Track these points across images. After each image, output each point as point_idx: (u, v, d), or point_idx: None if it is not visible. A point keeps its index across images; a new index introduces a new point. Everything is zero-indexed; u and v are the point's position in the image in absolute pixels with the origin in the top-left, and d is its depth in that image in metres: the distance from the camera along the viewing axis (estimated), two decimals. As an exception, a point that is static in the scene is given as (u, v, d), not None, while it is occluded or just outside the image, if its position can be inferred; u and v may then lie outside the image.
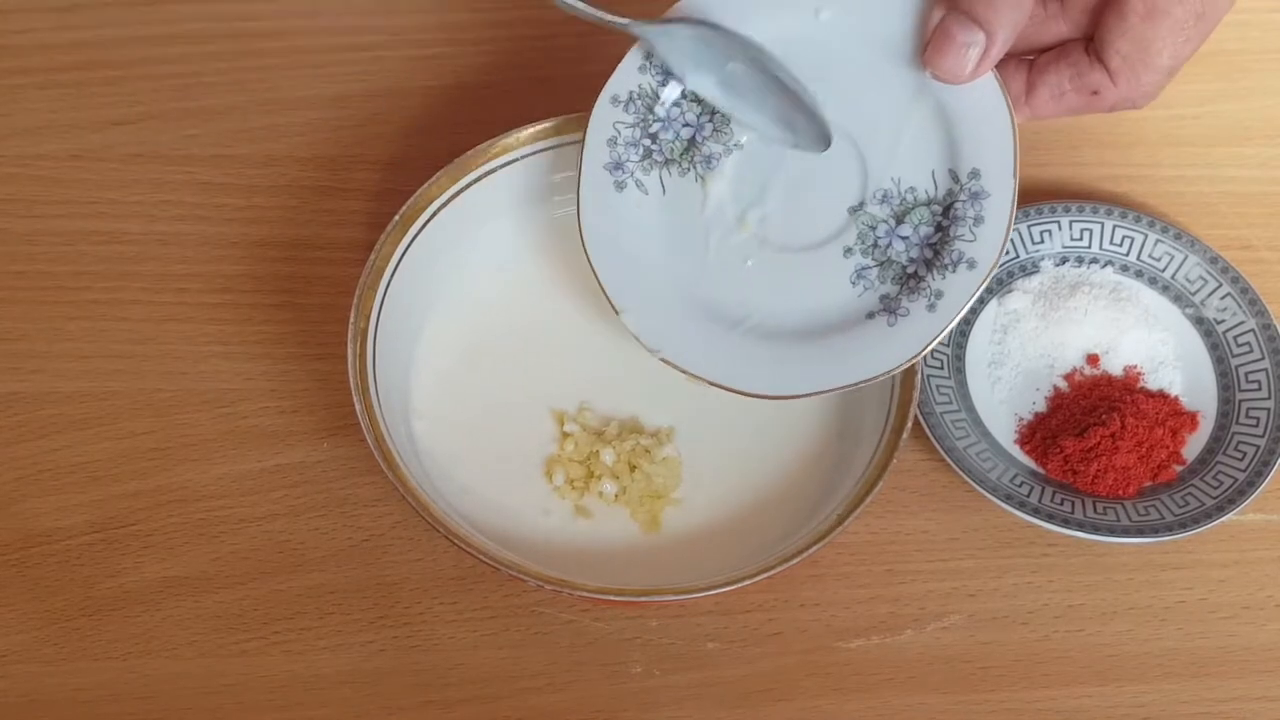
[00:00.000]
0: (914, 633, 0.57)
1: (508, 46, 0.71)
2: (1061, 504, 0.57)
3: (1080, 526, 0.56)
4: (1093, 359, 0.62)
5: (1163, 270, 0.64)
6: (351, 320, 0.54)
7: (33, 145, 0.66)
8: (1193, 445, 0.60)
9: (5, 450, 0.58)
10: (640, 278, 0.55)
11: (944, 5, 0.52)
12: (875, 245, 0.53)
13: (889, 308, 0.53)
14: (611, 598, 0.52)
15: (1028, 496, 0.57)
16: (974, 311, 0.62)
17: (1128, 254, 0.64)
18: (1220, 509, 0.57)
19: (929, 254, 0.53)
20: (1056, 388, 0.62)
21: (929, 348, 0.52)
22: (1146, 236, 0.64)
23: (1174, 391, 0.61)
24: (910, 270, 0.53)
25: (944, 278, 0.52)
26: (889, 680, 0.56)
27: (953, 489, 0.59)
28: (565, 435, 0.57)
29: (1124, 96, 0.53)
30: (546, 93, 0.69)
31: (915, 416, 0.54)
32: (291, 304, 0.62)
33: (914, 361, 0.53)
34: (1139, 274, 0.64)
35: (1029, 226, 0.64)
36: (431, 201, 0.58)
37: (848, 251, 0.54)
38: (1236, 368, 0.61)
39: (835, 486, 0.55)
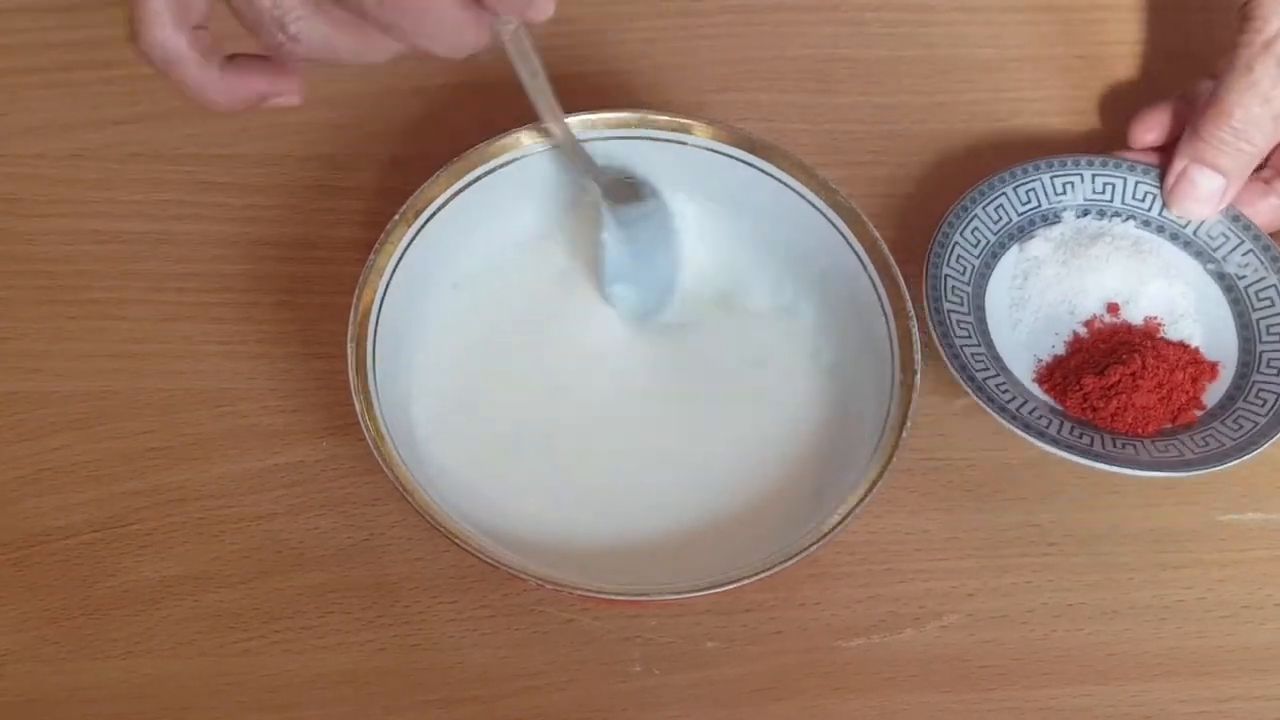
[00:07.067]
0: (914, 632, 0.57)
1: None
2: (1080, 438, 0.57)
3: (1099, 459, 0.56)
4: (1113, 307, 0.62)
5: (1184, 226, 0.64)
6: (351, 319, 0.54)
7: (33, 144, 0.66)
8: (1212, 394, 0.60)
9: (5, 450, 0.58)
10: None
11: (1185, 156, 0.61)
12: None
13: None
14: (611, 597, 0.52)
15: (1046, 428, 0.57)
16: (995, 256, 0.62)
17: (1149, 209, 0.64)
18: (1241, 449, 0.56)
19: None
20: (1076, 333, 0.61)
21: None
22: None
23: (1194, 343, 0.61)
24: None
25: None
26: (889, 679, 0.56)
27: (952, 489, 0.59)
28: None
29: None
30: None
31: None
32: (291, 303, 0.62)
33: None
34: (1160, 229, 0.64)
35: (1051, 178, 0.64)
36: (431, 201, 0.58)
37: None
38: (1257, 321, 0.61)
39: (834, 486, 0.55)
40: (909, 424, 0.54)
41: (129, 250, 0.63)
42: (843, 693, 0.55)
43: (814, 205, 0.59)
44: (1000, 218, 0.63)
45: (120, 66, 0.68)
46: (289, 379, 0.60)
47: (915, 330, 0.56)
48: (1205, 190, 0.62)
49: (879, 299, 0.57)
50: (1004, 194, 0.63)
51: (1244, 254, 0.63)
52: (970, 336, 0.59)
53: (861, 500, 0.52)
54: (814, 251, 0.60)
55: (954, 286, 0.61)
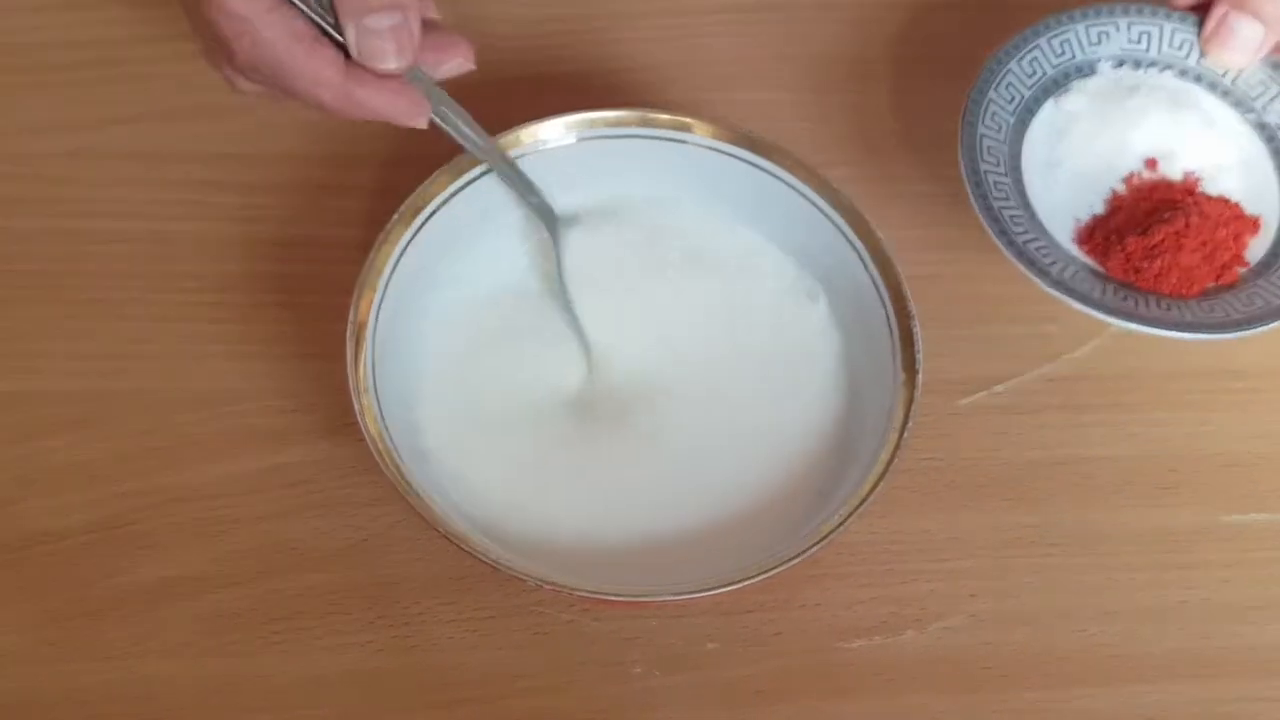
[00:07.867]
0: (915, 633, 0.57)
1: (508, 46, 0.70)
2: (1125, 300, 0.57)
3: (1144, 322, 0.55)
4: (1151, 163, 0.62)
5: (1223, 76, 0.63)
6: (351, 319, 0.54)
7: (32, 144, 0.65)
8: (1254, 249, 0.59)
9: (4, 450, 0.58)
10: None
11: (1225, 1, 0.60)
12: None
13: None
14: (611, 598, 0.52)
15: (1089, 293, 0.56)
16: (1030, 112, 0.62)
17: (1187, 58, 0.63)
18: None
19: None
20: (1114, 191, 0.61)
21: None
22: None
23: (1234, 198, 0.61)
24: None
25: None
26: (890, 681, 0.55)
27: (953, 489, 0.59)
28: None
29: None
30: (547, 93, 0.69)
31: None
32: (291, 303, 0.62)
33: None
34: (1198, 79, 0.63)
35: (1086, 27, 0.63)
36: (431, 200, 0.58)
37: None
38: None
39: (835, 486, 0.55)
40: (910, 424, 0.54)
41: (129, 250, 0.63)
42: (844, 694, 0.55)
43: (816, 205, 0.59)
44: (1034, 71, 0.62)
45: (120, 66, 0.68)
46: (289, 379, 0.60)
47: (916, 330, 0.55)
48: (1244, 37, 0.60)
49: (880, 298, 0.57)
50: (1037, 46, 0.62)
51: None
52: (1008, 199, 0.59)
53: (863, 501, 0.52)
54: (816, 251, 0.60)
55: (990, 146, 0.60)
